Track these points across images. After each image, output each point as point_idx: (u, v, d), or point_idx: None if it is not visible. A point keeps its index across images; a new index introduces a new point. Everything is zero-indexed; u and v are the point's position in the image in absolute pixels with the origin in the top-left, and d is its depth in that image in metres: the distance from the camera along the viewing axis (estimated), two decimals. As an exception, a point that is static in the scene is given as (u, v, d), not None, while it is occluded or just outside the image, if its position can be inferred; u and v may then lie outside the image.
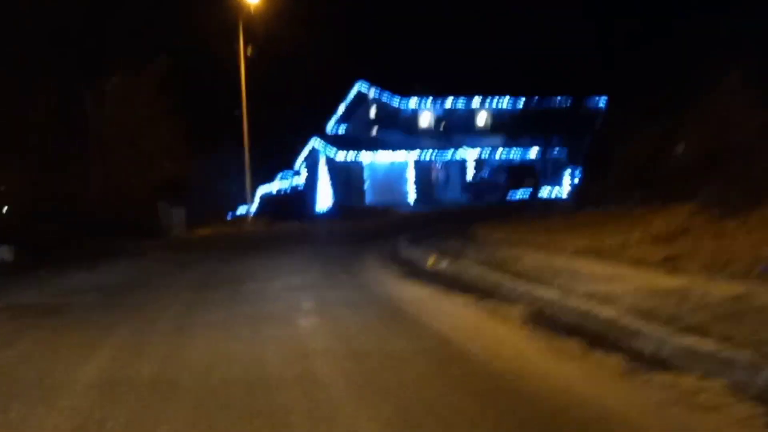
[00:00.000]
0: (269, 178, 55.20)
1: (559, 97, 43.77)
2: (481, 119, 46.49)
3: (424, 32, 55.61)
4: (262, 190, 53.75)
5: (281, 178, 54.97)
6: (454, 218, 25.41)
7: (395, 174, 42.91)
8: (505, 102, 45.79)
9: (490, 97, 45.89)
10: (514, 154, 44.25)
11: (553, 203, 32.39)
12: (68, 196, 25.71)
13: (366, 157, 42.13)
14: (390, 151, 42.67)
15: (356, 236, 20.38)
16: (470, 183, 42.41)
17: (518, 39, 51.89)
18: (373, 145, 43.39)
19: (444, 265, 10.77)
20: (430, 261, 11.35)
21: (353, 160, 41.84)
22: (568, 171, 42.35)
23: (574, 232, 12.43)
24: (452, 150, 43.85)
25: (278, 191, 52.92)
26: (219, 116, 39.23)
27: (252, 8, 33.95)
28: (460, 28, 54.78)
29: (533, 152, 44.14)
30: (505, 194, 38.87)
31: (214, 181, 42.22)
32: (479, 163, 44.27)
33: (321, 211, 44.24)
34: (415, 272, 10.92)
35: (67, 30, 26.01)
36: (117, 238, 23.89)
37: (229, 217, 43.29)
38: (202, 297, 9.41)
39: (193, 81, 34.30)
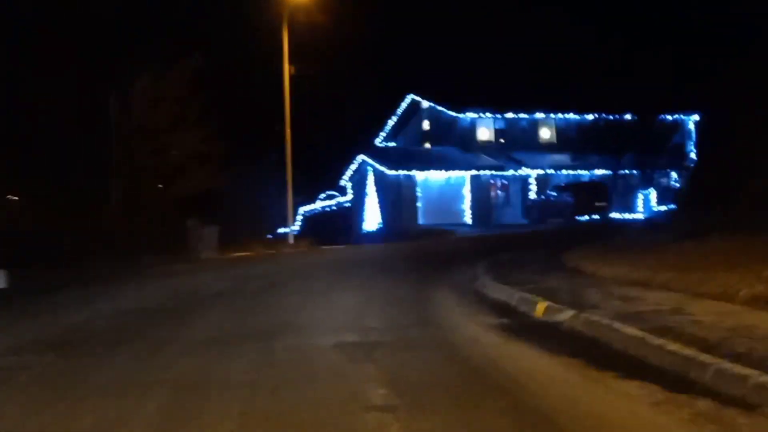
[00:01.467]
0: (312, 197, 52.33)
1: (628, 114, 40.24)
2: (545, 134, 43.08)
3: (480, 46, 52.62)
4: (304, 209, 50.89)
5: (325, 198, 52.08)
6: (527, 243, 22.12)
7: (450, 192, 39.67)
8: (570, 116, 42.32)
9: (553, 111, 42.47)
10: (581, 172, 40.69)
11: (634, 227, 28.83)
12: (89, 208, 23.01)
13: (419, 174, 38.96)
14: (444, 168, 39.44)
15: (415, 263, 17.18)
16: (533, 203, 38.95)
17: (583, 53, 48.84)
18: (427, 161, 40.23)
19: (563, 317, 7.50)
20: (539, 309, 8.09)
21: (405, 176, 38.69)
22: (642, 192, 38.66)
23: (717, 268, 9.14)
24: (513, 167, 40.47)
25: (322, 209, 49.97)
26: (259, 126, 36.37)
27: (299, 12, 31.08)
28: (521, 41, 51.69)
29: (601, 171, 40.51)
30: (573, 216, 35.34)
31: (254, 197, 39.30)
32: (542, 182, 40.80)
33: (368, 231, 41.16)
34: (520, 325, 7.69)
35: (91, 25, 23.43)
36: (136, 258, 21.13)
37: (268, 238, 40.44)
38: (208, 367, 6.27)
39: (232, 85, 31.52)
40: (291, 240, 29.37)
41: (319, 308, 9.85)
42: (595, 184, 37.88)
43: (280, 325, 8.31)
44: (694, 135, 43.56)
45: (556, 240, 22.66)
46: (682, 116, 42.32)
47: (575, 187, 36.89)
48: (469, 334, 7.47)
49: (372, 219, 41.50)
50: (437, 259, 18.41)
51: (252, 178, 39.50)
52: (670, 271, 9.58)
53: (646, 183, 40.11)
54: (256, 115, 35.52)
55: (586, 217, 35.97)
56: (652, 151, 39.02)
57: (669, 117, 41.51)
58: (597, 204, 35.18)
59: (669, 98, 40.19)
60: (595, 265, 11.35)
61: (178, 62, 26.82)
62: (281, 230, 37.72)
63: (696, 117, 43.14)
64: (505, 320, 8.05)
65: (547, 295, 8.69)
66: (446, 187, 39.68)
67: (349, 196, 46.07)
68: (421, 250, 22.70)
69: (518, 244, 22.33)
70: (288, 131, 29.27)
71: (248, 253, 26.43)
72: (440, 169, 39.18)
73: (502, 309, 8.88)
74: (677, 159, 41.23)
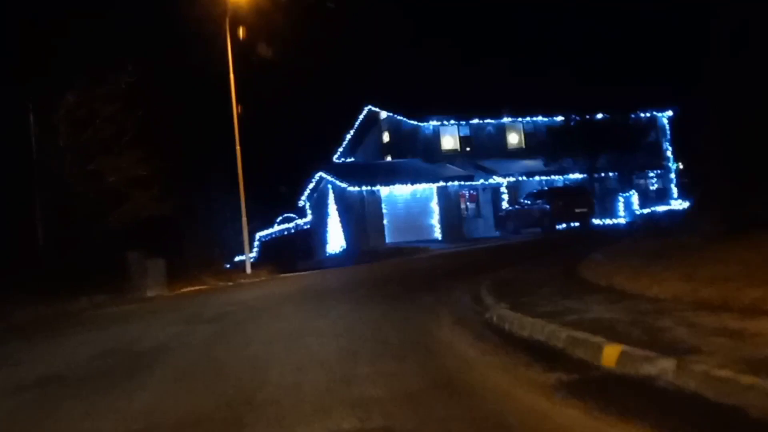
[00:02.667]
0: (269, 221, 49.70)
1: (600, 113, 38.42)
2: (514, 139, 41.16)
3: (438, 52, 50.65)
4: (261, 234, 48.23)
5: (283, 220, 49.47)
6: (517, 257, 19.83)
7: (417, 207, 37.42)
8: (539, 118, 40.39)
9: (521, 115, 40.51)
10: (554, 177, 38.70)
11: (631, 231, 26.75)
12: (9, 247, 20.22)
13: (383, 188, 36.61)
14: (409, 182, 37.15)
15: (395, 289, 14.77)
16: (507, 213, 36.79)
17: (549, 52, 47.19)
18: (390, 174, 37.95)
19: (656, 368, 5.13)
20: (609, 355, 5.71)
21: (368, 192, 36.31)
22: (622, 195, 36.73)
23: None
24: (482, 176, 38.33)
25: (280, 233, 47.35)
26: (208, 147, 33.73)
27: (243, 30, 28.57)
28: (481, 43, 49.95)
29: (576, 176, 38.53)
30: (552, 225, 33.21)
31: (206, 224, 36.56)
32: (514, 190, 38.75)
33: (332, 254, 38.71)
34: (590, 383, 5.32)
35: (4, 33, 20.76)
36: (69, 300, 18.43)
37: (225, 268, 37.76)
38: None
39: (173, 102, 28.90)
40: (248, 269, 26.72)
41: (290, 365, 7.36)
42: (574, 189, 35.84)
43: (238, 404, 5.81)
44: (668, 132, 41.96)
45: (548, 251, 20.43)
46: (654, 113, 40.66)
47: (552, 193, 34.79)
48: (526, 405, 5.05)
49: (335, 240, 39.05)
50: (420, 282, 16.01)
51: (202, 203, 36.81)
52: (753, 285, 7.30)
53: (626, 185, 38.25)
54: (203, 134, 32.89)
55: (564, 226, 33.87)
56: (628, 151, 37.21)
57: (642, 114, 39.78)
58: (577, 210, 33.08)
59: (640, 95, 38.59)
60: (637, 282, 9.02)
61: (109, 77, 24.25)
62: (239, 258, 35.14)
63: (669, 113, 41.59)
64: (562, 376, 5.66)
65: (606, 331, 6.33)
66: (412, 201, 37.45)
67: (309, 218, 43.56)
68: (395, 272, 20.27)
69: (506, 259, 20.04)
70: (239, 149, 26.70)
71: (201, 287, 23.76)
72: (405, 183, 36.89)
73: (543, 354, 6.50)
74: (654, 158, 39.53)
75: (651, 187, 39.46)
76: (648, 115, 39.30)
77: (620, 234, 27.20)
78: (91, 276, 21.87)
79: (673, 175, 41.31)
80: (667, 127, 41.83)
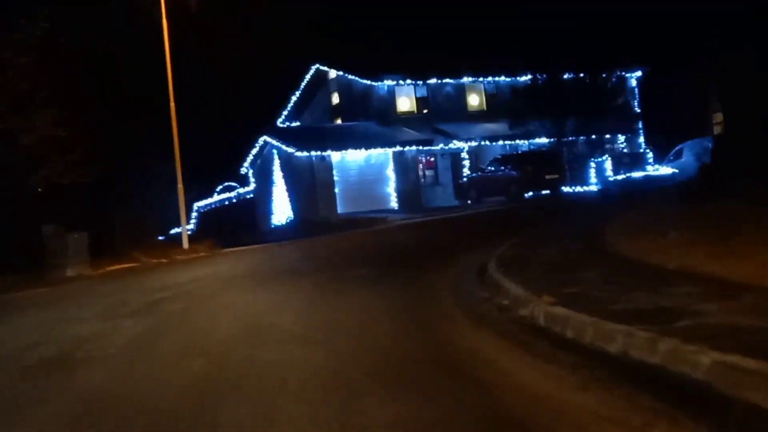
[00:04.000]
0: (209, 190, 46.57)
1: (567, 73, 36.20)
2: (474, 101, 38.73)
3: (393, 12, 47.87)
4: (200, 204, 45.13)
5: (223, 190, 46.38)
6: (499, 228, 17.52)
7: (372, 174, 34.88)
8: (502, 78, 38.03)
9: (483, 74, 38.08)
10: (519, 142, 36.42)
11: (601, 200, 24.74)
12: None
13: (334, 154, 33.91)
14: (363, 146, 34.50)
15: (369, 267, 12.27)
16: (469, 179, 34.41)
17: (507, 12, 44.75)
18: (341, 139, 35.24)
19: None
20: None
21: (318, 158, 33.59)
22: (594, 161, 34.66)
23: None
24: (441, 140, 35.88)
25: (221, 203, 44.31)
26: (139, 107, 30.46)
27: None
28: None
29: (543, 140, 36.30)
30: (521, 192, 30.95)
31: (137, 193, 33.39)
32: (476, 156, 36.42)
33: (278, 226, 35.98)
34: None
35: None
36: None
37: (160, 240, 34.71)
38: None
39: (97, 55, 25.76)
40: (185, 243, 23.87)
41: (249, 401, 4.77)
42: (544, 153, 33.53)
43: None
44: (637, 93, 40.01)
45: (534, 222, 18.08)
46: (623, 73, 38.60)
47: (519, 157, 32.46)
48: None
49: (281, 211, 36.30)
50: (397, 260, 13.56)
51: (136, 170, 33.59)
52: None
53: (596, 150, 36.20)
54: (135, 94, 29.63)
55: (531, 194, 31.68)
56: (598, 113, 35.09)
57: (611, 74, 37.66)
58: (548, 177, 30.81)
59: (607, 54, 36.47)
60: (730, 265, 6.63)
61: (22, 23, 21.14)
62: (176, 231, 32.11)
63: (638, 73, 39.62)
64: None
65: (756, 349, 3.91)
66: (366, 167, 34.87)
67: (252, 186, 40.63)
68: (359, 247, 17.74)
69: (490, 231, 17.70)
70: (173, 106, 23.71)
71: (131, 265, 20.90)
72: (358, 147, 34.24)
73: (676, 393, 4.04)
74: (624, 121, 37.54)
75: (623, 152, 37.45)
76: (617, 75, 37.24)
77: (600, 202, 25.11)
78: (3, 253, 19.02)
79: (642, 140, 39.38)
80: (636, 88, 39.85)
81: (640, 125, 39.37)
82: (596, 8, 42.14)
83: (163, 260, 21.67)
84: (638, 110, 39.43)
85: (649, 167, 34.54)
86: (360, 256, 14.97)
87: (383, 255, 14.84)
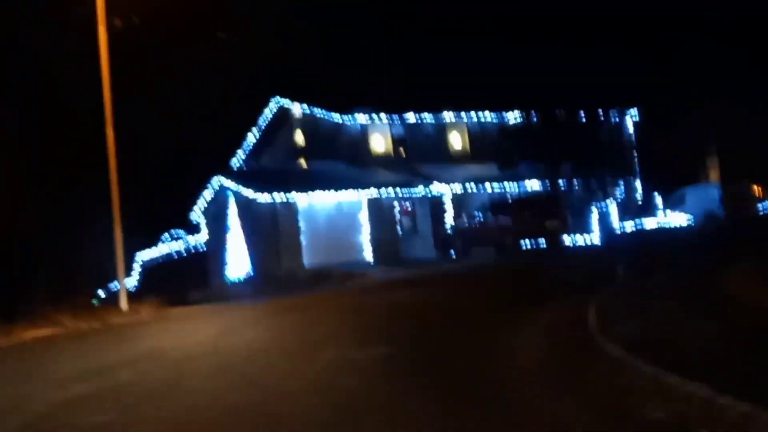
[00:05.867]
0: (154, 241, 42.25)
1: (559, 111, 33.20)
2: (457, 140, 35.38)
3: (365, 35, 44.72)
4: (144, 256, 40.82)
5: (171, 239, 42.07)
6: (506, 285, 14.01)
7: (343, 222, 31.12)
8: (487, 115, 34.83)
9: (466, 110, 34.86)
10: (509, 186, 33.03)
11: (623, 255, 21.34)
12: None
13: (300, 197, 30.18)
14: (333, 188, 30.81)
15: (377, 340, 8.71)
16: (456, 229, 30.83)
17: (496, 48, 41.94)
18: (307, 182, 31.46)
19: None
20: None
21: (281, 203, 29.83)
22: (596, 206, 31.34)
23: None
24: (421, 183, 32.37)
25: (168, 255, 40.06)
26: (73, 139, 26.52)
27: None
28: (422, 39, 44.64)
29: (534, 184, 32.97)
30: (516, 243, 27.49)
31: (72, 241, 29.19)
32: (458, 202, 32.92)
33: (234, 281, 31.95)
34: None
35: None
36: None
37: (99, 297, 30.48)
38: None
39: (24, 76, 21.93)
40: (124, 303, 19.75)
41: None
42: (542, 198, 30.09)
43: None
44: (633, 134, 37.13)
45: (571, 282, 14.56)
46: (620, 112, 35.74)
47: (514, 204, 29.01)
48: None
49: (238, 263, 32.26)
50: (409, 331, 9.92)
51: (69, 213, 29.47)
52: None
53: (593, 195, 32.92)
54: (65, 122, 25.73)
55: (527, 244, 28.28)
56: (595, 154, 32.01)
57: (608, 113, 34.80)
58: (547, 224, 27.34)
59: (602, 91, 33.70)
60: None
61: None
62: (116, 286, 27.84)
63: (634, 112, 36.78)
64: None
65: None
66: (337, 214, 31.10)
67: (204, 235, 36.53)
68: (348, 310, 13.97)
69: (503, 291, 14.13)
70: (110, 133, 19.78)
71: (52, 332, 16.77)
72: (328, 189, 30.53)
73: None
74: (623, 164, 34.52)
75: (630, 197, 34.27)
76: (616, 113, 34.30)
77: (624, 255, 21.65)
78: None
79: (638, 183, 36.22)
80: (632, 129, 36.89)
81: (638, 168, 36.41)
82: (587, 44, 39.67)
83: (95, 325, 17.58)
84: (635, 153, 36.51)
85: (659, 214, 31.42)
86: (361, 326, 11.23)
87: (391, 324, 11.13)
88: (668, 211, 31.90)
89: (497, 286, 16.48)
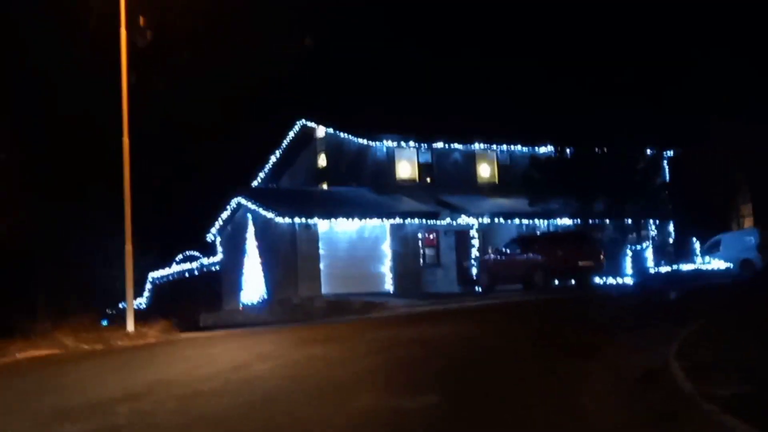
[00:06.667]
0: (167, 260, 41.05)
1: (594, 148, 31.90)
2: (486, 170, 34.09)
3: (395, 57, 43.70)
4: (156, 275, 39.63)
5: (184, 260, 40.81)
6: (544, 324, 12.66)
7: (365, 249, 29.92)
8: (518, 147, 33.57)
9: (497, 142, 33.61)
10: (539, 221, 31.62)
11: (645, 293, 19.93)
12: None
13: (321, 222, 28.94)
14: (357, 215, 29.55)
15: (422, 386, 7.42)
16: (482, 262, 29.43)
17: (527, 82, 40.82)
18: (329, 206, 30.24)
19: None
20: None
21: (302, 226, 28.61)
22: (631, 248, 29.89)
23: None
24: (447, 214, 31.06)
25: (180, 274, 38.82)
26: (85, 152, 25.39)
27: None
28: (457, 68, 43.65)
29: (565, 220, 31.57)
30: (547, 280, 26.08)
31: (79, 259, 27.99)
32: (484, 235, 31.55)
33: (248, 304, 30.67)
34: None
35: None
36: None
37: (108, 315, 29.13)
38: None
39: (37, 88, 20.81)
40: (130, 325, 18.41)
41: None
42: (576, 235, 28.67)
43: None
44: (668, 175, 35.70)
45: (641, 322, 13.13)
46: (654, 151, 34.39)
47: (547, 239, 27.61)
48: None
49: (253, 287, 30.98)
50: (457, 375, 8.56)
51: (78, 228, 28.30)
52: None
53: (626, 235, 31.47)
54: (78, 136, 24.60)
55: (557, 283, 26.90)
56: (630, 194, 30.64)
57: (644, 150, 33.47)
58: (581, 263, 25.93)
59: (635, 131, 32.37)
60: None
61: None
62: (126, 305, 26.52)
63: (670, 152, 35.40)
64: None
65: None
66: (358, 241, 29.91)
67: (219, 256, 35.28)
68: (382, 346, 12.53)
69: (553, 333, 12.71)
70: (126, 143, 18.56)
71: (51, 352, 15.51)
72: (351, 217, 29.28)
73: None
74: (657, 205, 33.04)
75: (667, 240, 32.78)
76: (653, 152, 33.00)
77: (661, 299, 20.15)
78: None
79: (672, 227, 34.69)
80: (667, 169, 35.46)
81: (672, 211, 34.97)
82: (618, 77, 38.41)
83: (98, 346, 16.30)
84: (668, 194, 35.07)
85: (696, 260, 29.93)
86: (396, 365, 9.87)
87: (431, 365, 9.74)
88: (706, 257, 30.42)
89: (537, 326, 15.06)
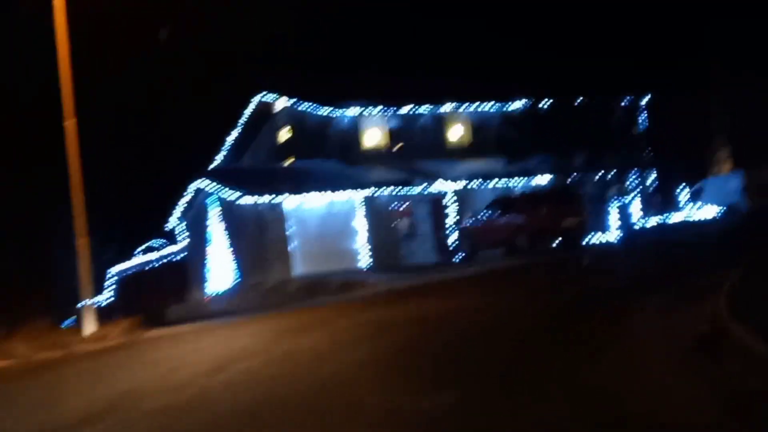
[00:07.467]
0: (131, 252, 39.42)
1: (570, 98, 30.74)
2: (458, 132, 32.71)
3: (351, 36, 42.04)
4: (119, 268, 37.98)
5: (146, 251, 39.19)
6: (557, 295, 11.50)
7: (336, 224, 28.51)
8: (491, 105, 32.21)
9: (468, 100, 32.24)
10: (518, 182, 30.40)
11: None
12: None
13: (288, 199, 27.52)
14: (326, 189, 28.17)
15: (433, 381, 6.06)
16: (462, 229, 28.20)
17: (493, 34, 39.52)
18: (296, 182, 28.72)
19: None
20: None
21: (268, 205, 27.18)
22: (616, 201, 28.77)
23: None
24: (421, 181, 29.74)
25: (143, 265, 37.21)
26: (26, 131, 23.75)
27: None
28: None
29: (544, 179, 30.33)
30: (533, 242, 24.92)
31: (33, 251, 26.36)
32: (462, 201, 30.30)
33: (219, 292, 29.21)
34: None
35: None
36: None
37: (66, 318, 27.55)
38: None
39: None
40: (90, 324, 16.93)
41: None
42: (559, 192, 27.36)
43: None
44: (646, 122, 34.63)
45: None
46: (630, 98, 33.24)
47: (528, 199, 26.30)
48: None
49: (222, 273, 29.51)
50: (466, 363, 7.31)
51: (27, 216, 26.64)
52: None
53: (607, 189, 30.33)
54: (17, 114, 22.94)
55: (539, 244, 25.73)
56: (610, 145, 29.52)
57: (616, 99, 32.38)
58: (565, 223, 24.75)
59: (610, 75, 31.31)
60: None
61: None
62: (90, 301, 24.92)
63: (647, 98, 34.28)
64: None
65: None
66: (329, 217, 28.51)
67: (183, 244, 33.71)
68: (370, 328, 11.26)
69: (557, 302, 11.55)
70: (70, 126, 16.98)
71: (2, 363, 14.06)
72: (320, 190, 27.91)
73: None
74: (638, 154, 32.00)
75: (652, 191, 31.67)
76: (629, 99, 31.84)
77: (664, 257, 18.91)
78: None
79: (654, 176, 33.57)
80: (646, 115, 34.31)
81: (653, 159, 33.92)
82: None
83: (55, 354, 14.86)
84: (648, 142, 34.00)
85: (686, 209, 28.92)
86: (392, 353, 8.60)
87: (432, 349, 8.48)
88: (697, 204, 29.41)
89: (535, 294, 13.88)
